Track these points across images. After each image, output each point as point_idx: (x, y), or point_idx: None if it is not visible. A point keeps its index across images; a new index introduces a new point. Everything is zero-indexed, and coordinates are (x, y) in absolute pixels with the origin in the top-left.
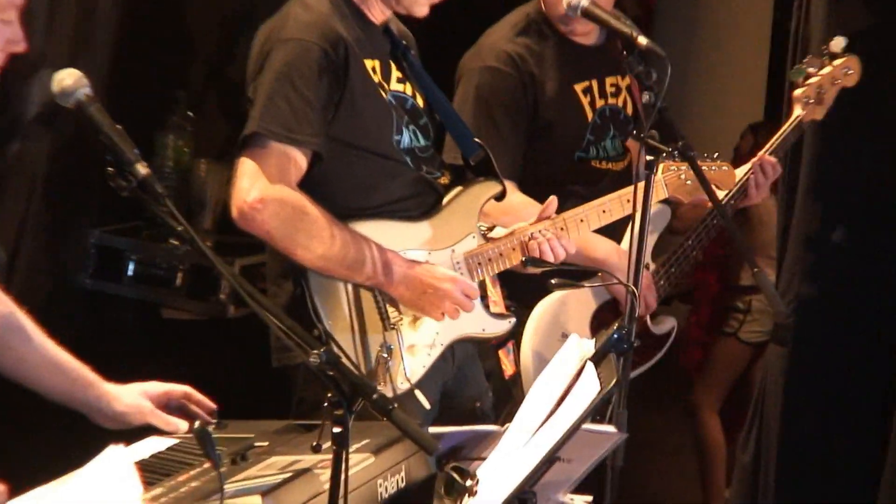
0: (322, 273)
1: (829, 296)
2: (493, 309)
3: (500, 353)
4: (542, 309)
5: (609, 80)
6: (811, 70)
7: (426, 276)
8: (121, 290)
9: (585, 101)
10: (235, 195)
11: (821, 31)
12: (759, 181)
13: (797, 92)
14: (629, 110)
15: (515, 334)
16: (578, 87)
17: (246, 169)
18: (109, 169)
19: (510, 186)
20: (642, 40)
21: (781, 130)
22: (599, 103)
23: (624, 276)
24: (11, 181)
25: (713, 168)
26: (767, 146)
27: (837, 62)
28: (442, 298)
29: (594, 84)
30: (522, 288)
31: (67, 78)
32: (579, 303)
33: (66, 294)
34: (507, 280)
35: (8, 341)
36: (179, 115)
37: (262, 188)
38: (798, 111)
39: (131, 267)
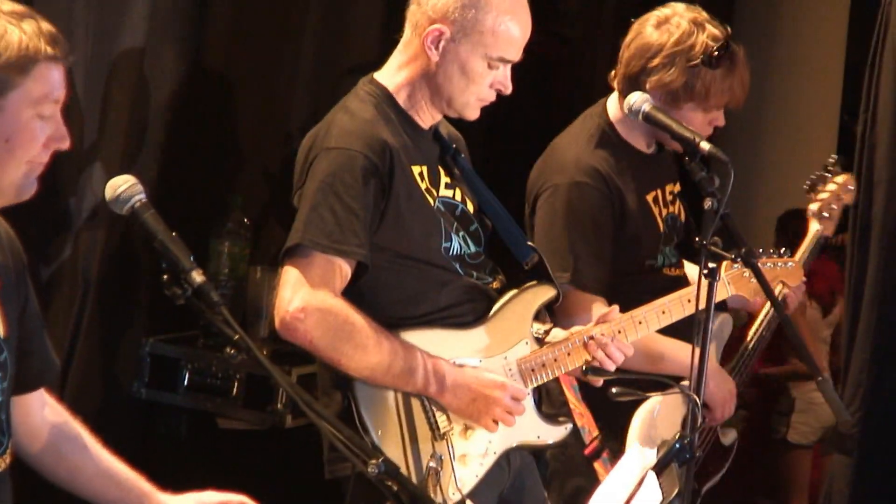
0: (369, 382)
1: None
2: (578, 421)
3: (597, 464)
4: (640, 419)
5: (668, 188)
6: (819, 186)
7: (474, 383)
8: (176, 399)
9: (656, 210)
10: (278, 305)
11: (888, 136)
12: (787, 296)
13: (812, 206)
14: (682, 217)
15: (607, 444)
16: (649, 198)
17: (288, 278)
18: (164, 276)
19: (599, 303)
20: (705, 145)
21: (804, 248)
22: (664, 212)
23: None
24: (63, 286)
25: (779, 265)
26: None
27: (839, 179)
28: (491, 406)
29: (659, 193)
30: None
31: (122, 185)
32: (670, 409)
33: (119, 403)
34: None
35: (63, 451)
36: (235, 221)
37: (305, 297)
38: (815, 226)
39: (186, 376)
